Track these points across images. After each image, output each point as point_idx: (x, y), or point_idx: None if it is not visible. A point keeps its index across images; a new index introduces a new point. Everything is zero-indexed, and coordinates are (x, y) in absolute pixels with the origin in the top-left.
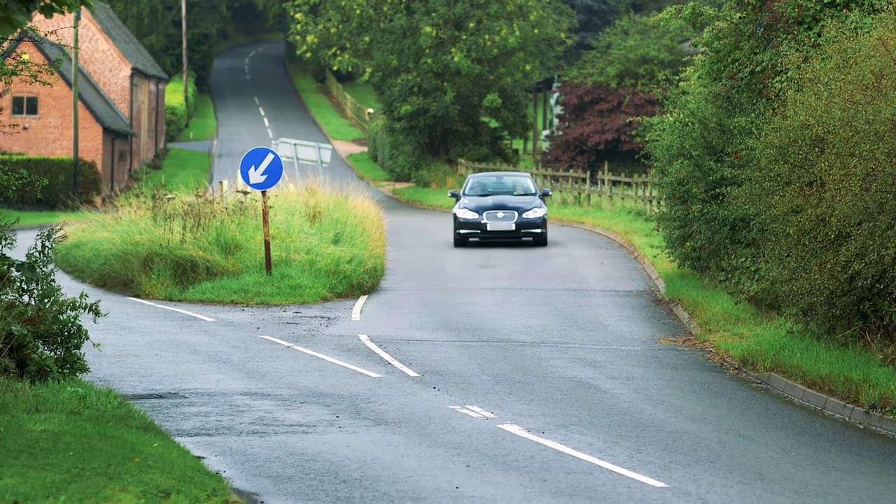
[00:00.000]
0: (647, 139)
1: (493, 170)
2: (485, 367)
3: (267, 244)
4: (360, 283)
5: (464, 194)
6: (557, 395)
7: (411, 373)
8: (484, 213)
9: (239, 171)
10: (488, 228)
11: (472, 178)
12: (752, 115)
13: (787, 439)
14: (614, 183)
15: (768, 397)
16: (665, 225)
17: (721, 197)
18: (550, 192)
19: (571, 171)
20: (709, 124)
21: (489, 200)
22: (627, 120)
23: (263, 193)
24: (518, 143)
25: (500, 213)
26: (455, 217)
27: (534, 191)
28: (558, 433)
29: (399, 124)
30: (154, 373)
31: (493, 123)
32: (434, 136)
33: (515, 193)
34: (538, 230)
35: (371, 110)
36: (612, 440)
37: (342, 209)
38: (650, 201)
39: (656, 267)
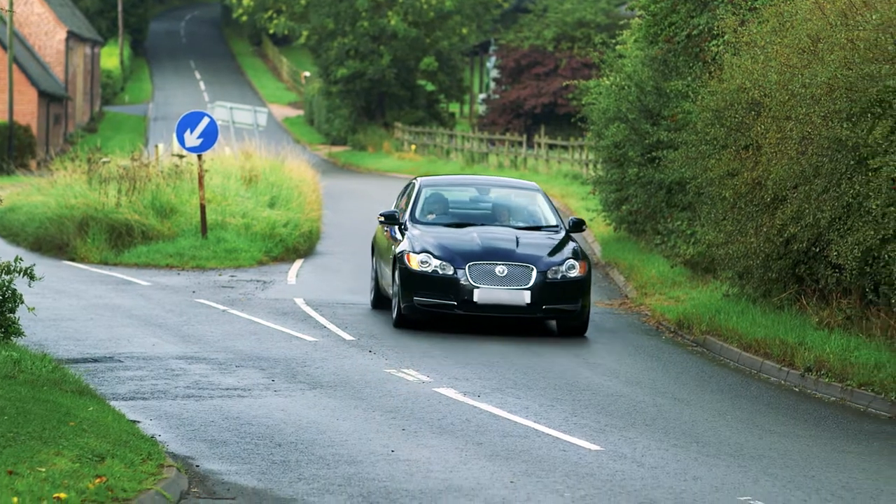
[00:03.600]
0: (583, 103)
1: (428, 133)
2: (420, 331)
3: (203, 208)
4: (295, 246)
5: (412, 218)
6: (493, 358)
7: (347, 336)
8: (468, 267)
9: (175, 134)
10: (477, 299)
11: (427, 188)
12: (689, 78)
13: (722, 402)
14: (551, 146)
15: (704, 360)
16: (601, 188)
17: (657, 160)
18: (585, 224)
19: (508, 134)
20: (645, 88)
21: (470, 237)
22: (564, 83)
23: (199, 157)
24: (454, 107)
25: (501, 269)
26: (399, 264)
27: (555, 221)
28: (494, 396)
29: (335, 88)
30: (89, 337)
31: (430, 87)
32: (370, 100)
33: (518, 224)
34: (574, 305)
35: (307, 74)
36: (547, 403)
37: (278, 173)
38: (586, 165)
39: (592, 230)
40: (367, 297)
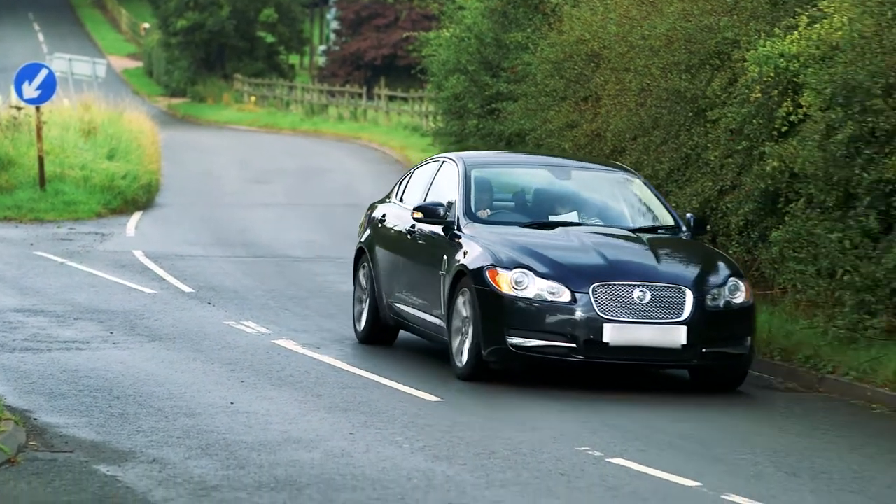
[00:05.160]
0: (423, 55)
1: (268, 85)
2: (260, 283)
3: (41, 160)
4: (134, 198)
5: (468, 215)
6: (333, 310)
7: (186, 288)
8: (592, 290)
9: (12, 86)
10: (609, 339)
11: (477, 170)
12: (529, 30)
13: None
14: (391, 98)
15: None
16: (441, 140)
17: (497, 112)
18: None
19: (348, 86)
20: (485, 40)
21: (580, 243)
22: (404, 35)
23: (37, 109)
24: (295, 59)
25: (641, 294)
26: (473, 284)
27: (671, 219)
28: (334, 348)
29: (175, 39)
30: None
31: (270, 38)
32: (210, 52)
33: (623, 223)
34: (742, 348)
35: (147, 25)
36: (387, 355)
37: (117, 125)
38: (426, 117)
39: None
40: (207, 251)
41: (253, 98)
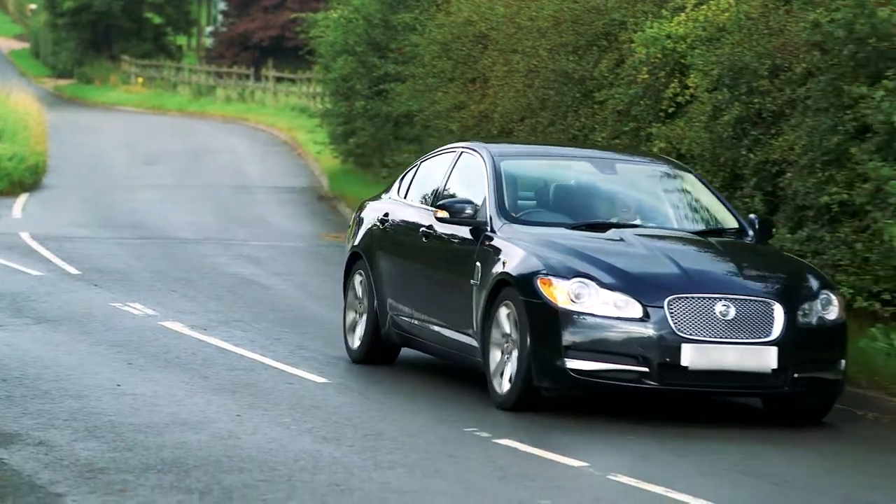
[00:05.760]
0: (311, 36)
1: (155, 66)
2: (147, 265)
3: None
4: (21, 180)
5: (502, 214)
6: (220, 291)
7: (73, 270)
8: (667, 304)
9: None
10: (689, 362)
11: (506, 161)
12: (416, 11)
13: None
14: (278, 79)
15: None
16: (329, 121)
17: (385, 93)
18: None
19: (235, 67)
20: (373, 21)
21: (647, 250)
22: (292, 16)
23: None
24: (182, 40)
25: (724, 308)
26: (519, 295)
27: (734, 220)
28: (221, 330)
29: (61, 20)
30: None
31: (157, 19)
32: (97, 33)
33: (683, 225)
34: (836, 373)
35: (34, 6)
36: (274, 337)
37: (3, 106)
38: (314, 98)
39: (320, 163)
40: (94, 232)
41: (140, 79)
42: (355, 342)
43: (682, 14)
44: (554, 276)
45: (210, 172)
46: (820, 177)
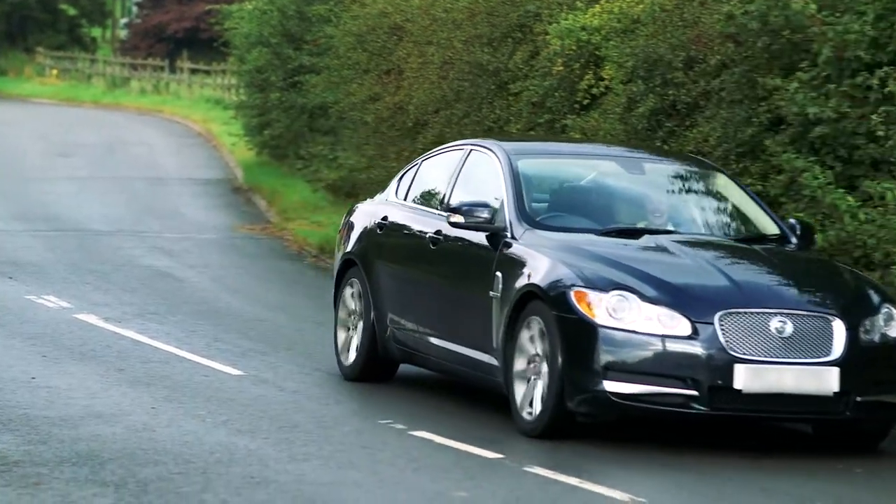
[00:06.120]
0: (225, 27)
1: (70, 58)
2: (62, 257)
3: None
4: None
5: (522, 218)
6: (135, 284)
7: None
8: (718, 320)
9: None
10: (743, 384)
11: (524, 160)
12: (331, 2)
13: None
14: (193, 71)
15: None
16: (243, 113)
17: (300, 85)
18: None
19: (150, 59)
20: (287, 12)
21: (692, 258)
22: (207, 8)
23: None
24: (97, 32)
25: (780, 324)
26: (551, 310)
27: (775, 226)
28: (135, 322)
29: None
30: None
31: (72, 11)
32: (12, 24)
33: (719, 231)
34: None
35: None
36: (189, 329)
37: None
38: (229, 89)
39: (235, 155)
40: (8, 225)
41: (55, 71)
42: (349, 358)
43: (597, 6)
44: (590, 288)
45: (125, 164)
46: (734, 168)
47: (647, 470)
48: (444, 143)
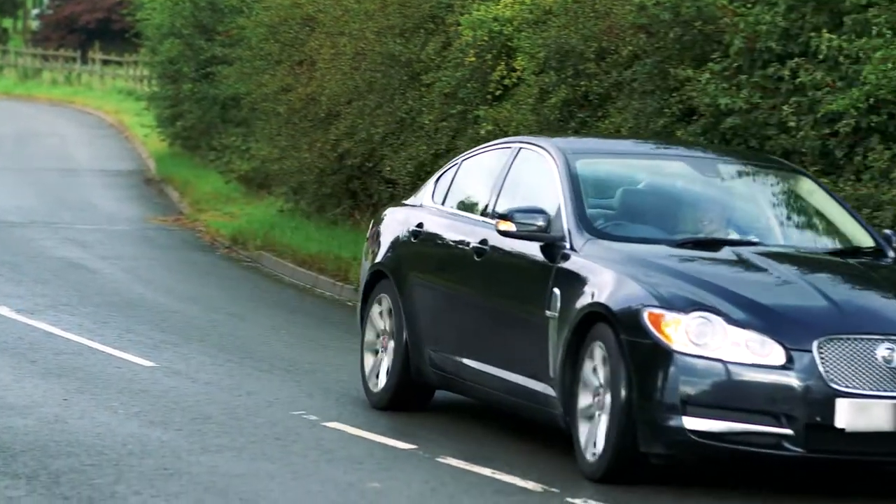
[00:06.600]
0: (137, 18)
1: None
2: None
3: None
4: None
5: (583, 226)
6: (47, 275)
7: None
8: (817, 347)
9: None
10: (846, 423)
11: (584, 160)
12: None
13: (276, 318)
14: (105, 62)
15: (258, 276)
16: (156, 104)
17: (212, 76)
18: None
19: (62, 50)
20: (199, 3)
21: (783, 273)
22: None
23: None
24: (8, 22)
25: (889, 352)
26: (619, 334)
27: (869, 237)
28: (48, 314)
29: None
30: None
31: None
32: None
33: (816, 246)
34: None
35: None
36: (101, 320)
37: None
38: (141, 81)
39: (147, 146)
40: None
41: None
42: (379, 384)
43: None
44: (667, 308)
45: (37, 156)
46: None
47: (559, 461)
48: (356, 135)
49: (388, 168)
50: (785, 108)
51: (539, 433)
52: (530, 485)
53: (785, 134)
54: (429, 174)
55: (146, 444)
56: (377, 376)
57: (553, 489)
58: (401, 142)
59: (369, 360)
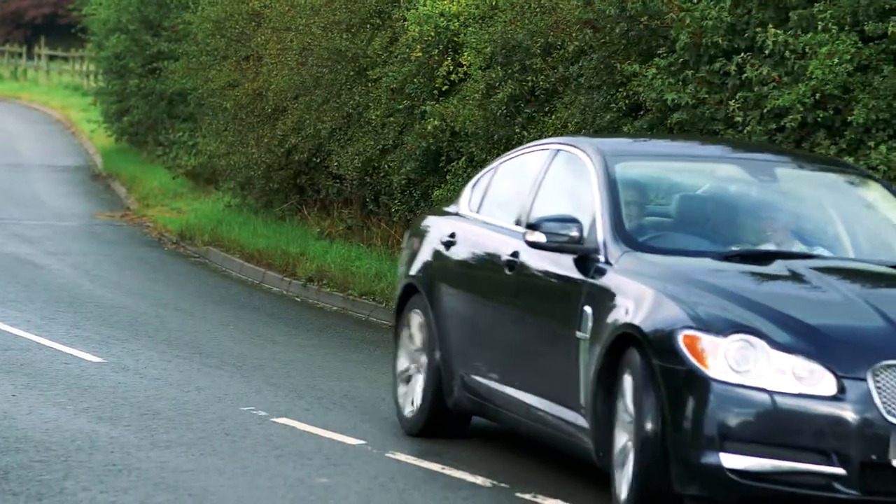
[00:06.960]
0: (84, 13)
1: None
2: None
3: None
4: None
5: (621, 238)
6: None
7: None
8: (872, 375)
9: None
10: None
11: (625, 164)
12: None
13: (224, 313)
14: (51, 58)
15: (206, 271)
16: (102, 100)
17: (158, 71)
18: None
19: (8, 45)
20: None
21: (837, 291)
22: None
23: None
24: None
25: None
26: (652, 360)
27: None
28: None
29: None
30: None
31: None
32: None
33: (885, 258)
34: None
35: None
36: (49, 316)
37: None
38: (87, 76)
39: (94, 142)
40: None
41: None
42: (412, 408)
43: None
44: (704, 331)
45: None
46: None
47: (508, 457)
48: (303, 130)
49: (336, 163)
50: (731, 103)
51: (487, 429)
52: (479, 480)
53: (732, 129)
54: (376, 169)
55: (95, 440)
56: (410, 401)
57: (502, 484)
58: (348, 137)
59: (402, 378)
